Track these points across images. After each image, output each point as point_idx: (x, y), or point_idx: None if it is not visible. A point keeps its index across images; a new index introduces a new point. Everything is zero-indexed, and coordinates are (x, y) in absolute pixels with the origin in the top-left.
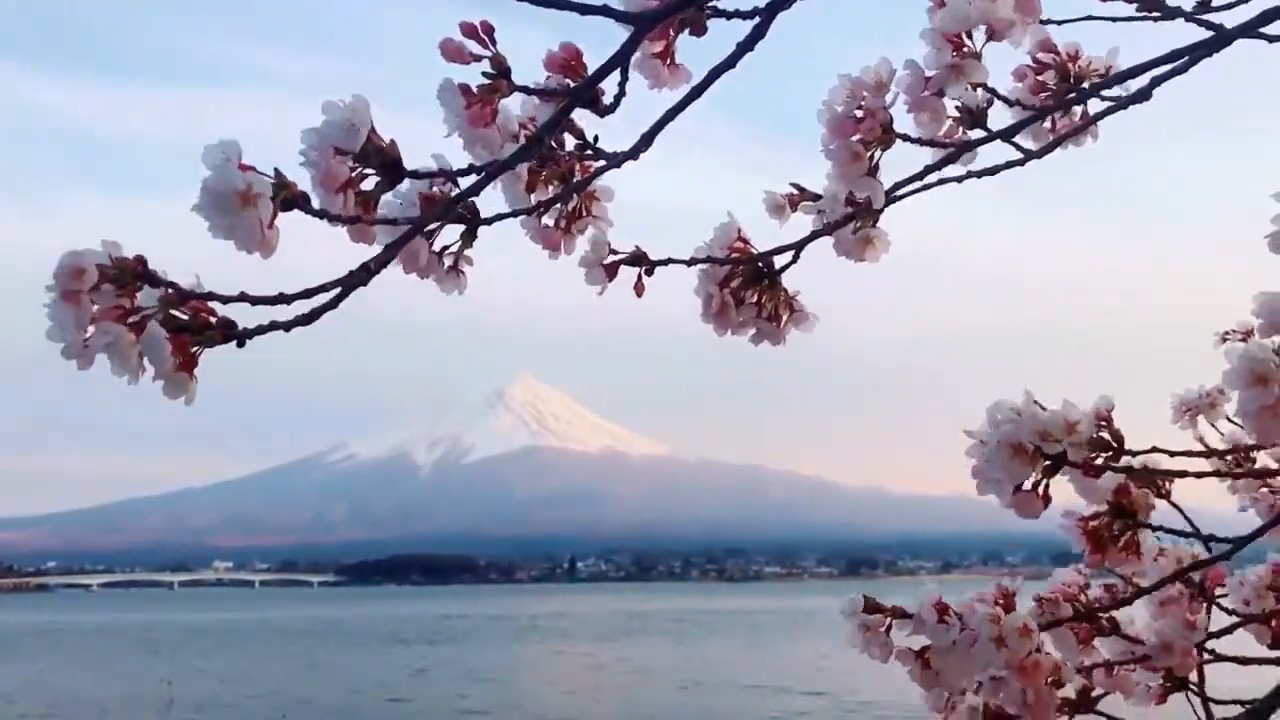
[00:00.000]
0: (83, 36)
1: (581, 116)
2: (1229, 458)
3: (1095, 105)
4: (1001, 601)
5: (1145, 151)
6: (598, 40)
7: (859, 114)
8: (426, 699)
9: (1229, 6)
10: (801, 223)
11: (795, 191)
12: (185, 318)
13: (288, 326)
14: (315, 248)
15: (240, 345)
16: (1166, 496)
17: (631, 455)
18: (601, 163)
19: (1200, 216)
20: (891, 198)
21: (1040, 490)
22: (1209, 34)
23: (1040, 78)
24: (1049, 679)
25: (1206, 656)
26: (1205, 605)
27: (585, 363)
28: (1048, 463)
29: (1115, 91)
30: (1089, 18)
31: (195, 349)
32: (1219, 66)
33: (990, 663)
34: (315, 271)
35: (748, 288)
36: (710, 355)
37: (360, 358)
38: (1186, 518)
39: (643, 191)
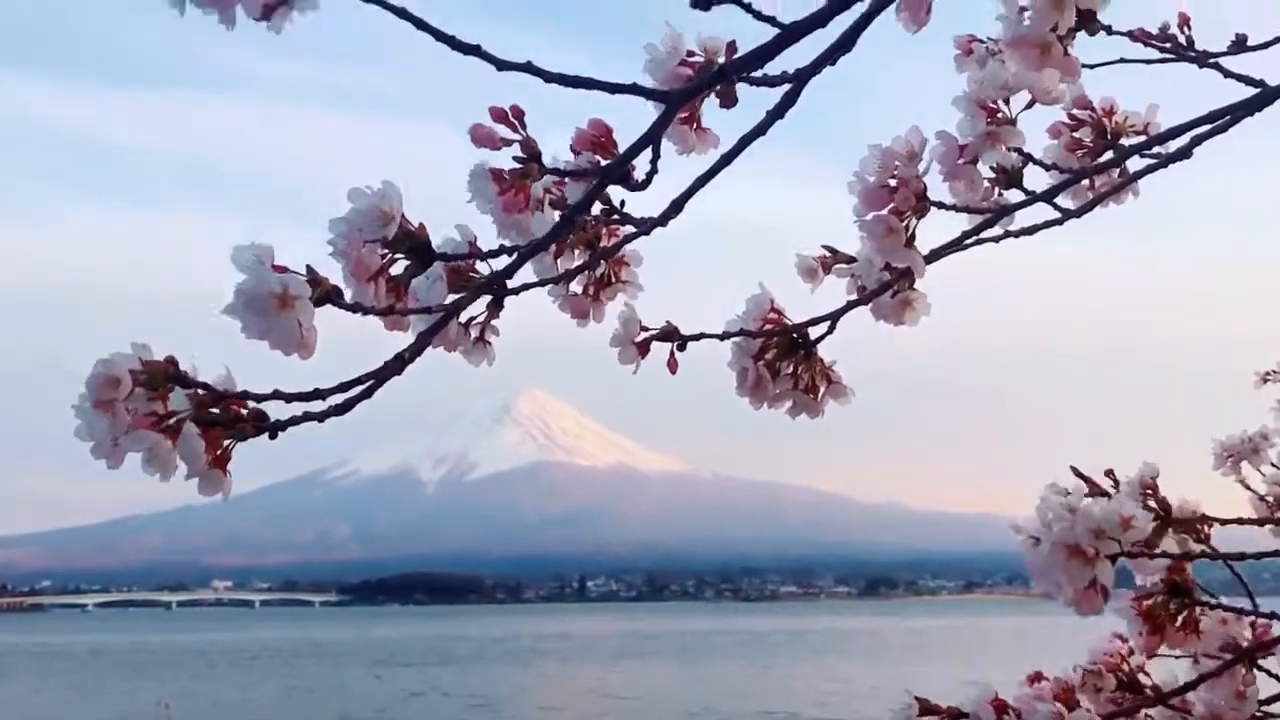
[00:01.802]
0: (75, 44)
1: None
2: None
3: (1135, 163)
4: (1063, 697)
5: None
6: (616, 111)
7: (892, 184)
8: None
9: (1264, 46)
10: (834, 286)
11: (827, 254)
12: (218, 413)
13: (321, 418)
14: (339, 334)
15: (272, 437)
16: (1206, 541)
17: (643, 471)
18: (630, 228)
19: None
20: (931, 262)
21: (1099, 586)
22: (1252, 90)
23: (1076, 134)
24: None
25: None
26: (1263, 672)
27: (595, 375)
28: (1106, 562)
29: (1155, 150)
30: (1121, 60)
31: (227, 443)
32: None
33: None
34: (340, 354)
35: (783, 359)
36: (725, 367)
37: (360, 368)
38: (1236, 574)
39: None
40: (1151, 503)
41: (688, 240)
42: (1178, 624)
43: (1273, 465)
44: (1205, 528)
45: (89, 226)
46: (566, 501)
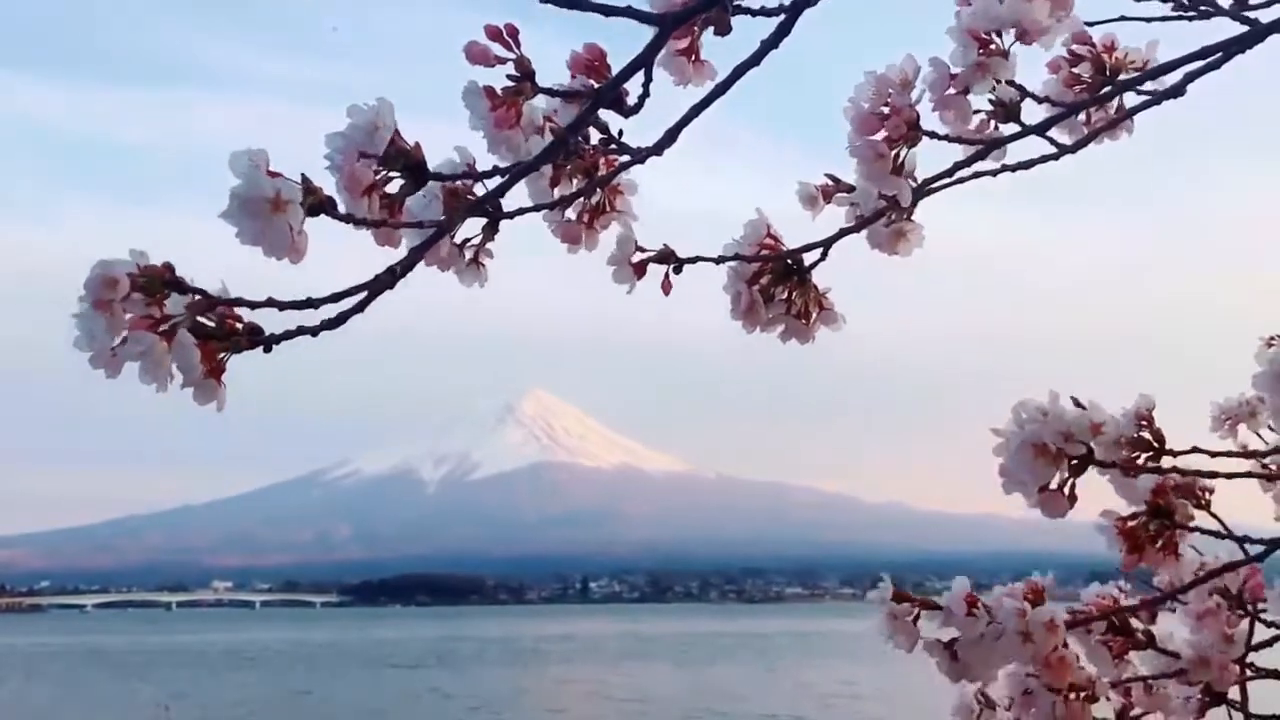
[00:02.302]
0: (75, 42)
1: (605, 113)
2: (1270, 460)
3: (1130, 100)
4: (1030, 597)
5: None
6: (619, 39)
7: (884, 111)
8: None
9: (1268, 4)
10: (832, 219)
11: (829, 183)
12: (212, 324)
13: (315, 331)
14: (334, 252)
15: (267, 350)
16: (1206, 507)
17: (647, 471)
18: (626, 157)
19: (1249, 218)
20: (923, 193)
21: (1066, 490)
22: (1244, 28)
23: (1075, 70)
24: (1083, 694)
25: (1248, 672)
26: (1248, 618)
27: (598, 375)
28: (1073, 462)
29: (1149, 86)
30: (1123, 18)
31: (222, 355)
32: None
33: (1016, 656)
34: (333, 277)
35: (777, 285)
36: (730, 368)
37: (364, 370)
38: (1225, 527)
39: (667, 194)
40: (1145, 433)
41: (688, 237)
42: (1157, 545)
43: (1269, 428)
44: (1205, 494)
45: (90, 225)
46: (569, 502)
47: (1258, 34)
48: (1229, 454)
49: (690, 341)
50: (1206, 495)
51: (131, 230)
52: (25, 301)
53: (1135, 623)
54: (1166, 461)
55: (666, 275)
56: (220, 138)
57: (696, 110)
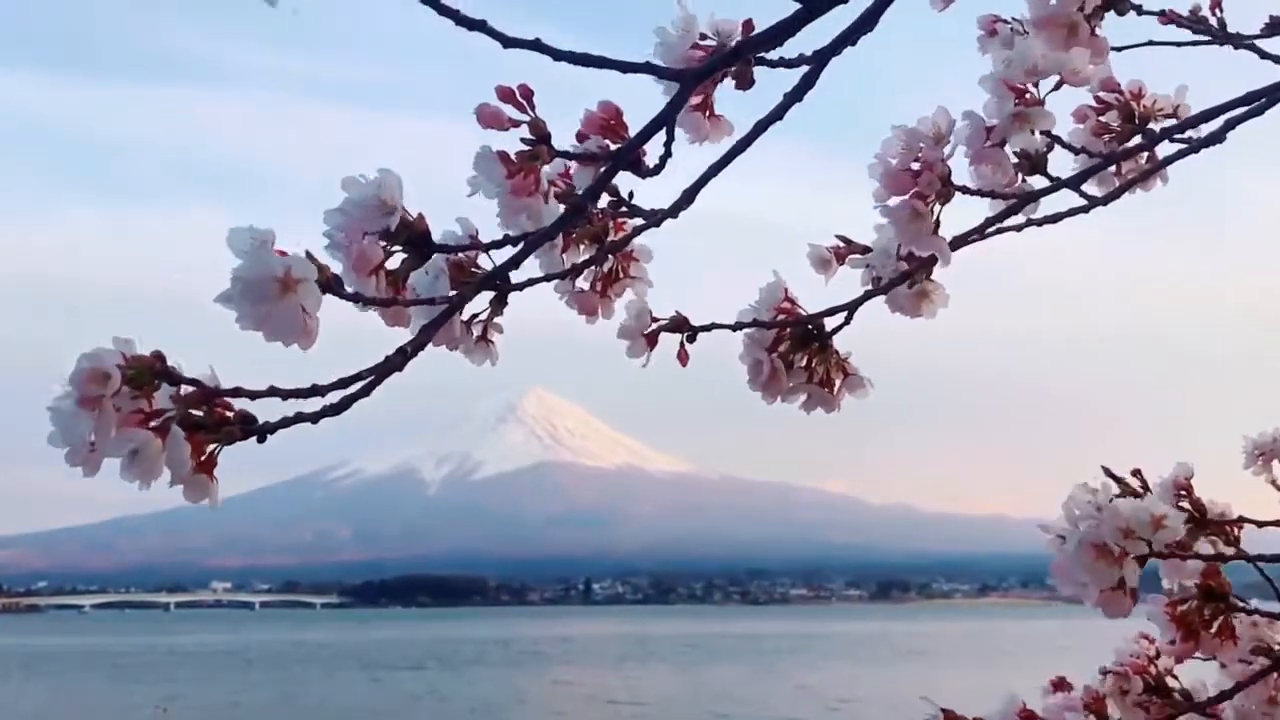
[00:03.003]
0: (67, 37)
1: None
2: None
3: (1165, 147)
4: (1093, 707)
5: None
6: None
7: (915, 166)
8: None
9: None
10: (848, 277)
11: (841, 244)
12: (200, 414)
13: (315, 419)
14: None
15: (261, 441)
16: (1235, 544)
17: (650, 471)
18: (639, 221)
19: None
20: (950, 249)
21: (1128, 589)
22: None
23: (1102, 118)
24: None
25: None
26: None
27: (601, 375)
28: (1133, 562)
29: (1187, 134)
30: (1150, 43)
31: (212, 448)
32: None
33: None
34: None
35: (797, 351)
36: (734, 367)
37: (362, 365)
38: (1266, 577)
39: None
40: (1185, 504)
41: (698, 237)
42: (1213, 630)
43: None
44: (1235, 530)
45: (87, 223)
46: (572, 502)
47: None
48: (1276, 523)
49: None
50: (1236, 531)
51: (128, 229)
52: (20, 301)
53: (1172, 682)
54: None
55: (681, 345)
56: (217, 135)
57: (715, 170)
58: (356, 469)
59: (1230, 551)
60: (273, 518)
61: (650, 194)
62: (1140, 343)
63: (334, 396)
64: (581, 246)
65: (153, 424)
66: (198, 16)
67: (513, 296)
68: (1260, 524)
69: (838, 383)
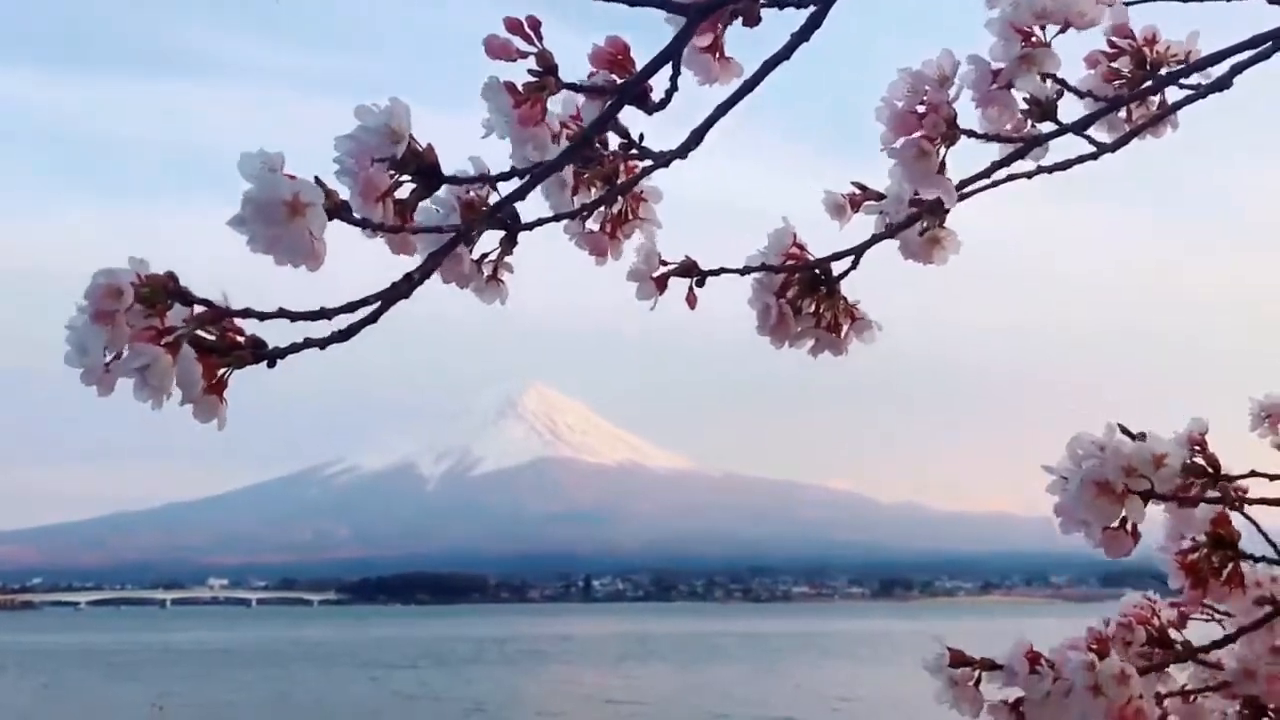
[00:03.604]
0: (64, 31)
1: (626, 114)
2: None
3: (1173, 94)
4: (1095, 647)
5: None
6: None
7: (921, 109)
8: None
9: None
10: (861, 225)
11: (857, 191)
12: (213, 337)
13: (323, 344)
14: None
15: (271, 365)
16: (1240, 508)
17: (651, 468)
18: (648, 162)
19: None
20: (958, 197)
21: (1130, 527)
22: None
23: (1114, 64)
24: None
25: None
26: None
27: (602, 369)
28: (1136, 499)
29: (1194, 79)
30: None
31: (223, 371)
32: None
33: (1088, 712)
34: (319, 284)
35: (805, 296)
36: (737, 362)
37: (361, 363)
38: (1263, 533)
39: (689, 190)
40: (1200, 459)
41: (703, 230)
42: (1222, 578)
43: None
44: (1240, 494)
45: (87, 220)
46: (572, 499)
47: None
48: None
49: (697, 335)
50: (1241, 495)
51: (127, 226)
52: (19, 298)
53: (1174, 634)
54: (1223, 487)
55: (690, 289)
56: (216, 130)
57: (723, 109)
58: (354, 465)
59: (1235, 498)
60: (270, 514)
61: (662, 139)
62: (1147, 339)
63: (341, 321)
64: (592, 188)
65: (165, 340)
66: (195, 10)
67: (513, 287)
68: (1272, 477)
69: (845, 327)
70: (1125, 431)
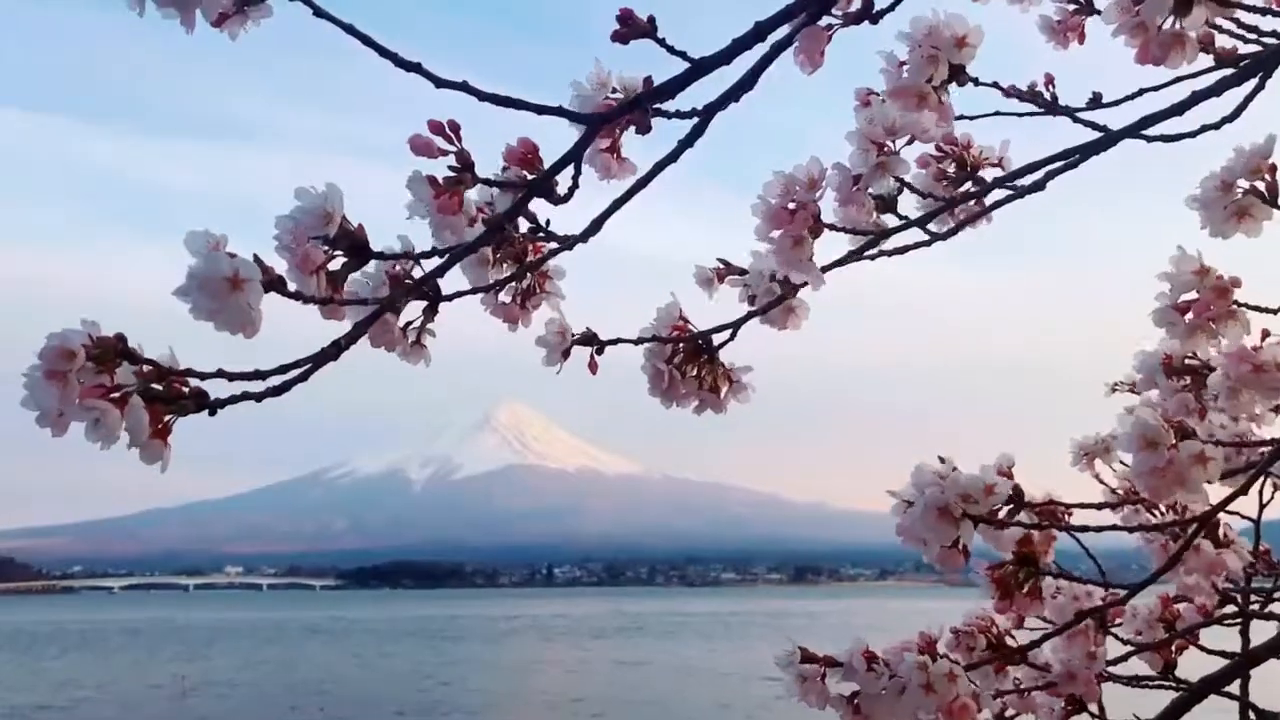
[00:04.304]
0: (131, 96)
1: (536, 203)
2: (1122, 498)
3: (996, 193)
4: (926, 649)
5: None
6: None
7: (792, 206)
8: (460, 685)
9: (1116, 104)
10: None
11: (721, 266)
12: (160, 389)
13: (259, 398)
14: (283, 320)
15: (212, 414)
16: (1068, 529)
17: (605, 473)
18: (554, 245)
19: (1117, 273)
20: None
21: (962, 546)
22: (1098, 134)
23: (940, 165)
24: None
25: (1106, 679)
26: (1113, 636)
27: (563, 387)
28: (968, 522)
29: (1015, 182)
30: (996, 114)
31: (169, 418)
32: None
33: (919, 708)
34: (283, 339)
35: (689, 363)
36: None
37: (361, 383)
38: (1091, 556)
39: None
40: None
41: (619, 275)
42: (1024, 591)
43: (1121, 464)
44: (1066, 515)
45: (151, 260)
46: (537, 499)
47: (1110, 139)
48: (1083, 506)
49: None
50: (1067, 516)
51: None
52: (60, 313)
53: (1010, 641)
54: (1025, 516)
55: (592, 357)
56: (263, 187)
57: (619, 203)
58: (353, 469)
59: (1046, 524)
60: (279, 511)
61: (567, 223)
62: (998, 373)
63: (275, 380)
64: (505, 265)
65: (113, 395)
66: (235, 75)
67: (486, 317)
68: (1067, 506)
69: (724, 389)
70: (942, 461)
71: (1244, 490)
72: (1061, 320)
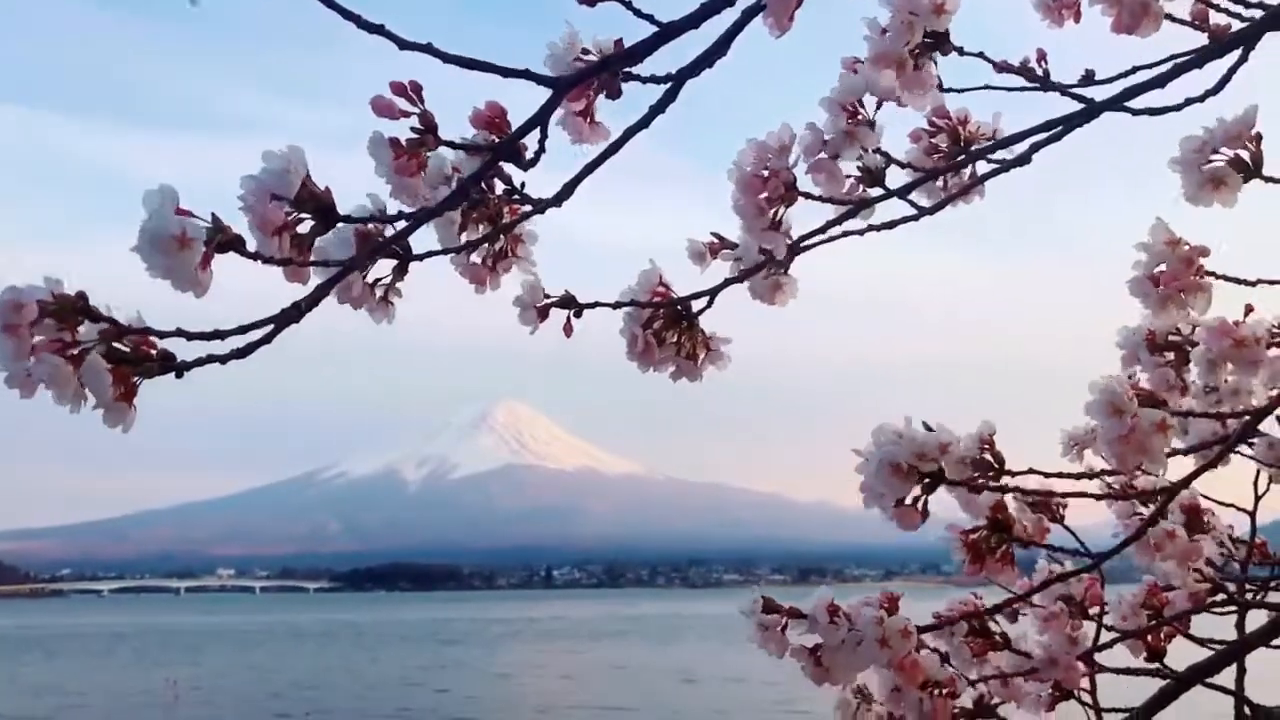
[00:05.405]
0: (120, 89)
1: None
2: (1110, 480)
3: (982, 166)
4: (886, 605)
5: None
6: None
7: (765, 174)
8: (456, 693)
9: (1109, 81)
10: (721, 268)
11: (715, 240)
12: (127, 350)
13: (224, 360)
14: (269, 285)
15: (179, 376)
16: (1060, 521)
17: (605, 473)
18: (527, 208)
19: (1102, 258)
20: (798, 249)
21: (919, 505)
22: (1081, 106)
23: (934, 140)
24: (945, 690)
25: (1096, 668)
26: (1093, 622)
27: (563, 387)
28: (925, 480)
29: (1001, 155)
30: (986, 87)
31: (135, 380)
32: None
33: (874, 660)
34: (268, 309)
35: (668, 329)
36: (678, 383)
37: (354, 380)
38: (1076, 536)
39: (590, 224)
40: (988, 455)
41: (619, 275)
42: (996, 556)
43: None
44: (1060, 508)
45: (119, 254)
46: (536, 500)
47: (1092, 111)
48: (1061, 475)
49: None
50: (1061, 510)
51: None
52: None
53: (993, 626)
54: (1005, 481)
55: (568, 319)
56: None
57: (591, 167)
58: (346, 470)
59: (1013, 484)
60: (271, 513)
61: (544, 188)
62: (1008, 371)
63: (237, 341)
64: (480, 227)
65: (71, 353)
66: (218, 67)
67: (483, 314)
68: (1046, 474)
69: (701, 356)
70: (927, 427)
71: (1215, 464)
72: (1074, 320)
